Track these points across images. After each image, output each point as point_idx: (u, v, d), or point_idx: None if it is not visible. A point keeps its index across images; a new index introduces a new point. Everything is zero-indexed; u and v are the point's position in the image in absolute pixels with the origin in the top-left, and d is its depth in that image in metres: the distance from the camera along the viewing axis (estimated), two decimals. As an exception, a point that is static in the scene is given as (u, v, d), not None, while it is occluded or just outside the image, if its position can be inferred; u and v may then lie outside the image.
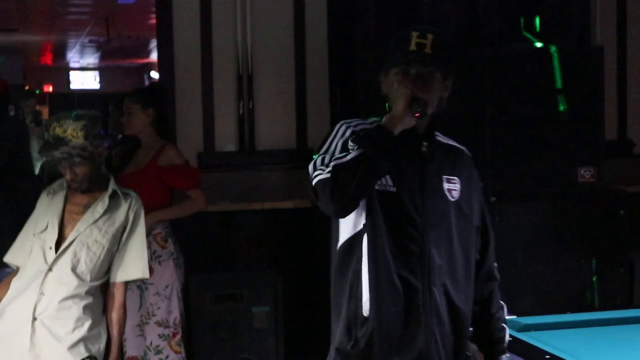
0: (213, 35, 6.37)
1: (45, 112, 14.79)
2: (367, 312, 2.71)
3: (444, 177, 2.82)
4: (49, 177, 7.24)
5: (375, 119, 2.78)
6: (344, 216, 2.71)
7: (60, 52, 17.26)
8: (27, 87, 16.57)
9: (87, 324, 3.77)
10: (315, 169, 2.68)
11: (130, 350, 5.05)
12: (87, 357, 3.76)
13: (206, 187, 5.54)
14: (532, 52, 5.56)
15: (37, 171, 8.09)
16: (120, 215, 3.88)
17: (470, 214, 2.86)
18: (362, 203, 2.72)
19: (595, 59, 5.57)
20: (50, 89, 21.78)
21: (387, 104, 2.80)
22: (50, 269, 3.75)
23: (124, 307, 3.91)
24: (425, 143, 2.80)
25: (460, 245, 2.81)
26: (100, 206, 3.85)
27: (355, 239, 2.76)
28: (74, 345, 3.73)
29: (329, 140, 2.76)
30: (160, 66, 6.60)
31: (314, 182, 2.66)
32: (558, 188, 5.50)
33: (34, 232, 3.86)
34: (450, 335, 2.77)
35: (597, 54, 5.62)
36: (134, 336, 5.05)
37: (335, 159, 2.63)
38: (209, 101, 6.39)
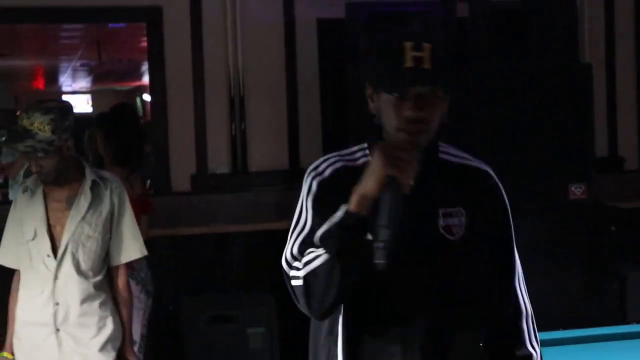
0: (204, 57, 6.39)
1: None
2: None
3: (441, 210, 2.32)
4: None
5: (360, 147, 2.41)
6: (326, 318, 2.31)
7: (52, 77, 17.26)
8: (19, 112, 16.54)
9: (109, 321, 3.81)
10: (290, 266, 2.25)
11: None
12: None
13: (199, 208, 5.53)
14: (521, 68, 5.59)
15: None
16: (105, 203, 3.79)
17: (483, 248, 2.38)
18: None
19: (584, 76, 5.60)
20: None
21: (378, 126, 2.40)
22: (56, 277, 3.73)
23: (128, 285, 3.92)
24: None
25: (469, 289, 2.32)
26: (83, 199, 3.76)
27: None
28: (102, 348, 3.78)
29: (299, 204, 2.32)
30: (152, 89, 6.62)
31: (291, 284, 2.24)
32: (549, 205, 5.51)
33: (24, 238, 3.77)
34: None
35: (586, 71, 5.65)
36: None
37: (305, 263, 2.20)
38: (201, 123, 6.40)
